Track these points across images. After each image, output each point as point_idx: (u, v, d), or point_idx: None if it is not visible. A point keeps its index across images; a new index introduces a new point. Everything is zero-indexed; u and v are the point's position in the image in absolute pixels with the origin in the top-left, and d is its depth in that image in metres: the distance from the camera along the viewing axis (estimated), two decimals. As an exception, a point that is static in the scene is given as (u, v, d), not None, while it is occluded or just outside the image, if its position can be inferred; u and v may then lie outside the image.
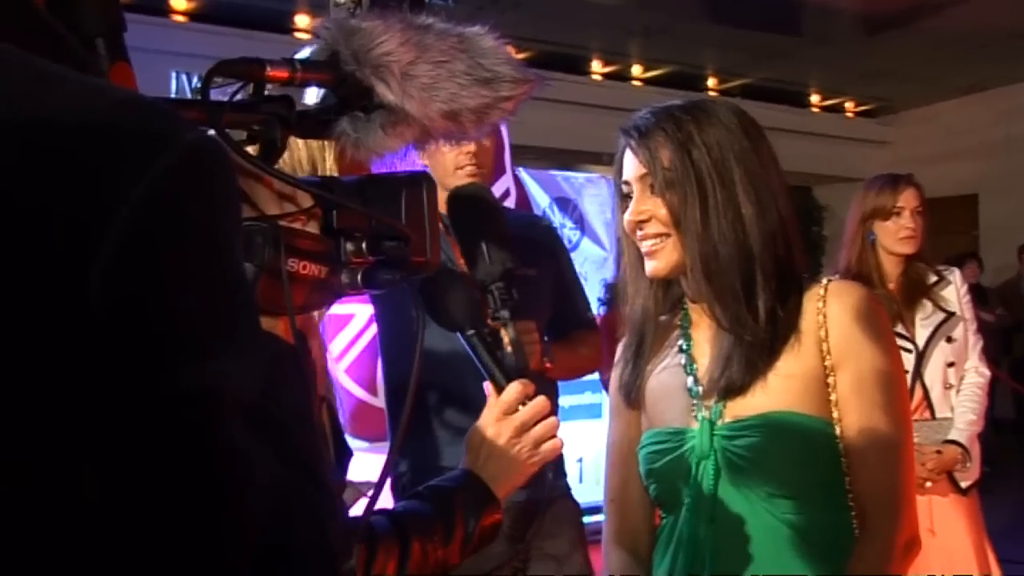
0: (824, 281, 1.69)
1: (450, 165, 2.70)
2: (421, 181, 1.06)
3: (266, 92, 0.95)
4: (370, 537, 1.25)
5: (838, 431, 1.62)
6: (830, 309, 1.64)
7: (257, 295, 0.84)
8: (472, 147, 2.67)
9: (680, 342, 1.77)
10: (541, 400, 1.52)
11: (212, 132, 0.83)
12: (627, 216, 1.70)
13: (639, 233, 1.70)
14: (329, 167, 1.24)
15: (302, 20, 8.22)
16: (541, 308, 2.73)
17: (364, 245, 0.99)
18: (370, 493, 1.13)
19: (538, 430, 1.49)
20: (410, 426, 2.75)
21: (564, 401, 3.93)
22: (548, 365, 2.63)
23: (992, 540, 3.29)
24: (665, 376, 1.77)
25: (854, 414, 1.61)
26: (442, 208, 2.76)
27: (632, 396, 1.80)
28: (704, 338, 1.74)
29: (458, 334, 1.60)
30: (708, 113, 1.69)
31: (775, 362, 1.63)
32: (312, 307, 1.00)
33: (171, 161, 0.57)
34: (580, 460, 5.95)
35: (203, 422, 0.58)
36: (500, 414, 1.50)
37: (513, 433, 1.48)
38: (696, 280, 1.67)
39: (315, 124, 0.99)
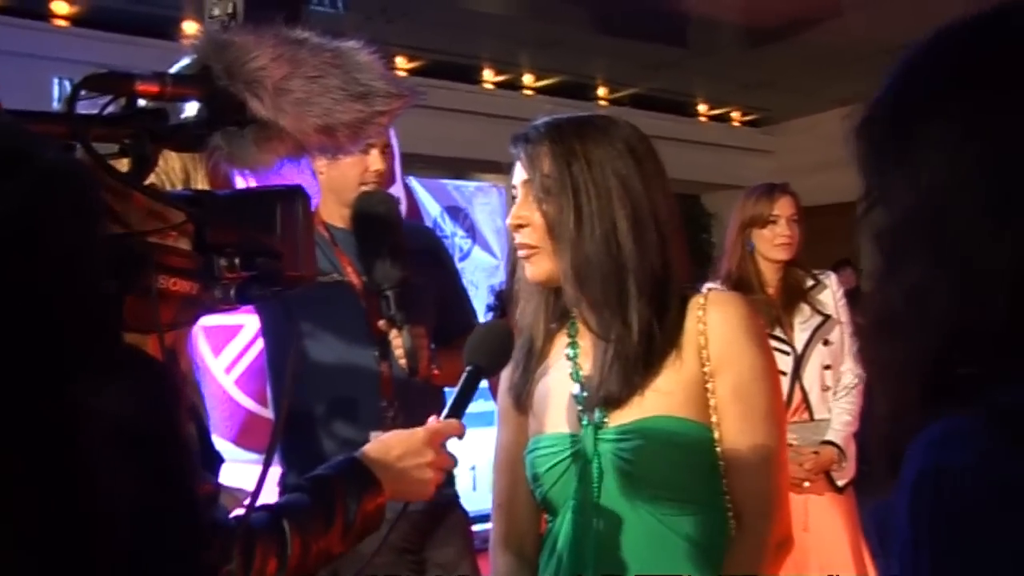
0: (704, 291, 1.76)
1: (353, 182, 2.70)
2: (295, 195, 1.06)
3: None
4: (248, 537, 1.24)
5: (716, 435, 1.68)
6: (710, 318, 1.70)
7: (125, 312, 0.83)
8: (380, 166, 2.69)
9: (567, 349, 1.81)
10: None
11: (79, 147, 0.82)
12: (507, 220, 1.76)
13: (516, 239, 1.74)
14: (201, 180, 1.24)
15: (189, 27, 8.08)
16: (426, 316, 2.74)
17: (237, 260, 0.98)
18: (248, 501, 1.12)
19: (441, 472, 1.54)
20: (293, 437, 2.73)
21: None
22: (435, 372, 2.65)
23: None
24: (553, 382, 1.81)
25: (732, 419, 1.67)
26: (340, 220, 2.79)
27: (521, 401, 1.84)
28: (589, 346, 1.78)
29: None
30: (596, 128, 1.73)
31: (656, 370, 1.68)
32: (183, 324, 1.00)
33: (28, 180, 0.57)
34: (473, 468, 5.96)
35: (68, 436, 0.58)
36: (432, 437, 1.53)
37: (431, 460, 1.51)
38: (569, 289, 1.71)
39: (188, 138, 0.99)
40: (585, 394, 1.75)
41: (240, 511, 1.23)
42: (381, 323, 2.53)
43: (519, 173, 1.75)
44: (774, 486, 1.70)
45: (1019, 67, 0.83)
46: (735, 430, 1.67)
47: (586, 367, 1.77)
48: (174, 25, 7.97)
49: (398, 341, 2.54)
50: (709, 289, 1.78)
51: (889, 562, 0.81)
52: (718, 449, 1.68)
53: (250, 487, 1.03)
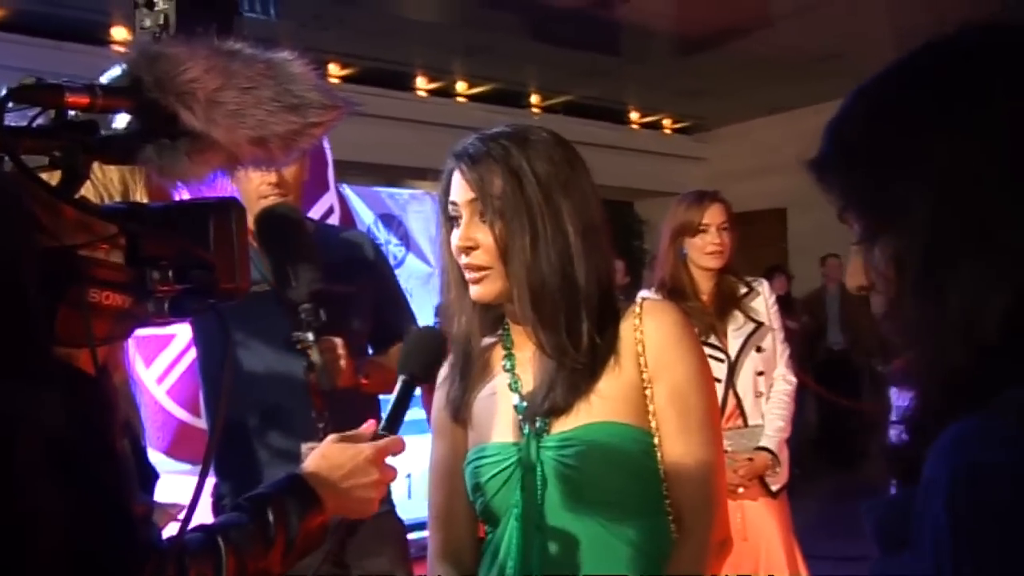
0: (639, 300, 1.78)
1: (253, 193, 2.67)
2: (230, 207, 1.05)
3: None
4: (181, 556, 1.22)
5: (656, 440, 1.70)
6: (645, 327, 1.72)
7: (57, 326, 0.82)
8: (273, 177, 2.64)
9: (504, 361, 1.82)
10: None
11: (7, 159, 0.81)
12: (455, 241, 1.73)
13: (464, 260, 1.71)
14: (140, 192, 1.22)
15: (118, 32, 7.95)
16: (361, 324, 2.73)
17: (170, 273, 0.97)
18: (183, 515, 1.11)
19: (384, 487, 1.53)
20: (225, 447, 2.71)
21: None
22: (364, 381, 2.63)
23: (800, 537, 3.45)
24: (491, 394, 1.81)
25: (670, 424, 1.70)
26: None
27: (459, 414, 1.83)
28: (527, 358, 1.78)
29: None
30: (534, 143, 1.73)
31: (597, 380, 1.70)
32: (116, 338, 0.98)
33: None
34: (409, 476, 5.93)
35: None
36: (378, 455, 1.51)
37: (376, 479, 1.50)
38: (523, 308, 1.71)
39: (119, 150, 0.98)
40: (525, 404, 1.75)
41: (175, 528, 1.21)
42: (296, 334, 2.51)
43: (462, 191, 1.72)
44: (712, 489, 1.72)
45: (1014, 77, 0.89)
46: (673, 435, 1.70)
47: (525, 377, 1.78)
48: (103, 30, 7.86)
49: (313, 353, 2.53)
50: (643, 298, 1.80)
51: (908, 556, 0.84)
52: (658, 454, 1.70)
53: (183, 499, 1.02)
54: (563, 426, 1.70)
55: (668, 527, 1.71)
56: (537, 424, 1.73)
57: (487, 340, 1.84)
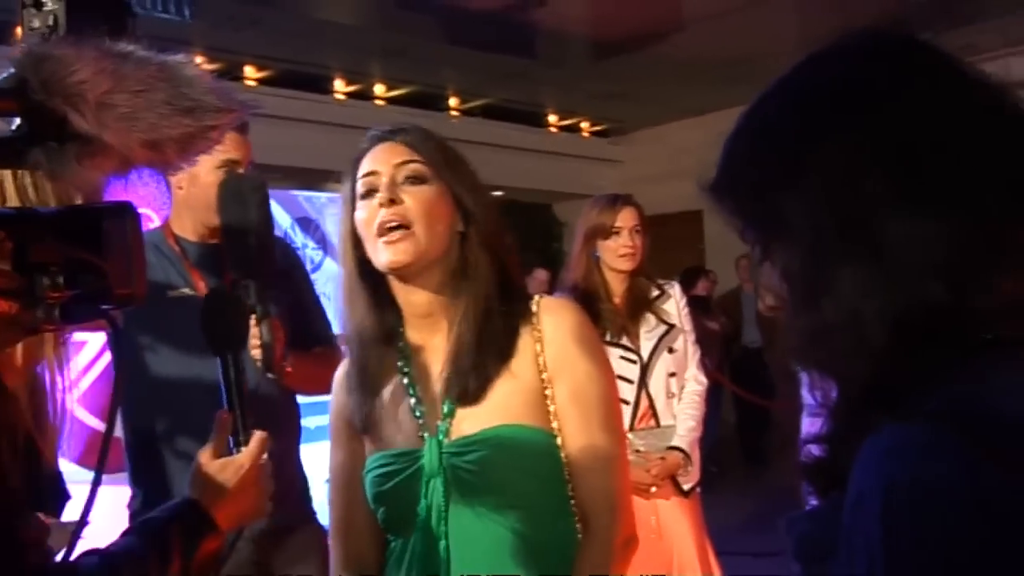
0: (537, 298, 1.77)
1: (215, 200, 2.63)
2: (124, 212, 1.03)
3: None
4: None
5: (559, 441, 1.70)
6: (544, 325, 1.72)
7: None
8: (233, 153, 2.63)
9: (400, 364, 1.79)
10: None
11: None
12: (372, 204, 1.70)
13: (382, 218, 1.68)
14: (49, 197, 1.19)
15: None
16: (280, 311, 2.70)
17: (60, 279, 0.95)
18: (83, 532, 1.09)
19: (270, 485, 1.52)
20: (141, 458, 2.66)
21: (310, 422, 3.88)
22: (288, 369, 2.61)
23: (717, 534, 3.51)
24: (388, 399, 1.78)
25: (572, 423, 1.70)
26: (194, 235, 2.70)
27: (359, 422, 1.80)
28: (423, 359, 1.77)
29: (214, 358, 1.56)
30: (437, 134, 1.80)
31: (495, 380, 1.69)
32: (3, 345, 0.96)
33: None
34: (328, 481, 5.87)
35: None
36: (254, 461, 1.50)
37: (252, 477, 1.49)
38: (439, 275, 1.72)
39: (7, 154, 0.96)
40: (423, 408, 1.74)
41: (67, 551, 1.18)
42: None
43: (388, 157, 1.72)
44: (616, 487, 1.73)
45: (889, 83, 0.91)
46: (575, 435, 1.70)
47: (422, 381, 1.77)
48: (9, 29, 7.66)
49: (255, 331, 2.48)
50: (540, 296, 1.79)
51: (833, 572, 0.83)
52: (562, 454, 1.70)
53: (95, 513, 1.00)
54: (464, 429, 1.69)
55: (574, 527, 1.71)
56: (438, 428, 1.71)
57: (383, 347, 1.80)
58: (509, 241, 1.77)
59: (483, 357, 1.69)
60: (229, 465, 1.47)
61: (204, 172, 2.60)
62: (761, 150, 0.96)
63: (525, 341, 1.72)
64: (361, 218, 1.71)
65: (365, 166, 1.74)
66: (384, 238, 1.68)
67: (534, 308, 1.74)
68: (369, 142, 1.77)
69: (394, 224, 1.67)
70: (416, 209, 1.68)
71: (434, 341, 1.76)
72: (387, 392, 1.79)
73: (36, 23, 1.04)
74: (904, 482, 0.77)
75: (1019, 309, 0.85)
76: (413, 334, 1.79)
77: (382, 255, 1.68)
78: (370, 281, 1.76)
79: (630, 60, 9.24)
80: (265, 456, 1.53)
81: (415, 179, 1.70)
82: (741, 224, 0.98)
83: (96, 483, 1.00)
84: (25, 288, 0.93)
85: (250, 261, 2.46)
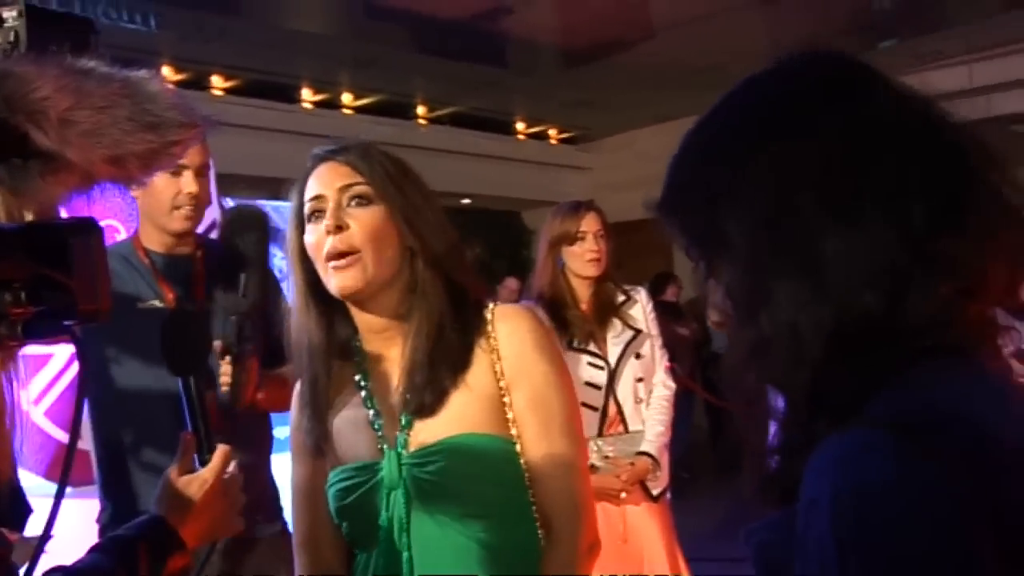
0: (490, 306, 1.77)
1: (167, 205, 2.64)
2: (89, 228, 1.04)
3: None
4: None
5: (518, 448, 1.71)
6: (499, 332, 1.73)
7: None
8: (194, 188, 2.63)
9: (357, 377, 1.79)
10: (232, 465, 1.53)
11: None
12: (317, 232, 1.69)
13: (330, 246, 1.67)
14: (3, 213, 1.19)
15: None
16: (257, 341, 2.71)
17: (23, 295, 0.95)
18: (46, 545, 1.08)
19: (239, 500, 1.52)
20: (110, 472, 2.65)
21: (280, 432, 3.87)
22: (260, 396, 2.61)
23: (688, 540, 3.52)
24: (346, 413, 1.78)
25: (531, 430, 1.71)
26: (160, 245, 2.70)
27: (315, 439, 1.79)
28: (381, 371, 1.77)
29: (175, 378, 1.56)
30: (381, 149, 1.78)
31: (452, 389, 1.70)
32: (-36, 361, 0.96)
33: None
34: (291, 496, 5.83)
35: None
36: (218, 475, 1.50)
37: (216, 491, 1.48)
38: (396, 299, 1.72)
39: (-33, 170, 0.96)
40: (382, 421, 1.74)
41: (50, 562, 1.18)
42: (216, 344, 2.46)
43: (332, 180, 1.70)
44: (578, 492, 1.74)
45: (819, 101, 0.94)
46: (535, 441, 1.70)
47: (379, 393, 1.77)
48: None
49: (227, 368, 2.48)
50: (494, 304, 1.78)
51: None
52: (522, 461, 1.71)
53: (60, 528, 1.00)
54: (423, 439, 1.70)
55: (536, 534, 1.72)
56: (397, 440, 1.72)
57: (336, 362, 1.80)
58: (460, 253, 1.76)
59: (437, 373, 1.69)
60: (193, 481, 1.47)
61: (155, 178, 2.60)
62: (701, 170, 0.99)
63: (480, 351, 1.72)
64: (310, 242, 1.71)
65: (311, 189, 1.73)
66: (333, 263, 1.68)
67: (488, 316, 1.74)
68: (312, 162, 1.75)
69: (342, 251, 1.67)
70: (362, 235, 1.67)
71: (391, 354, 1.76)
72: (345, 405, 1.79)
73: (-3, 40, 1.04)
74: (849, 488, 0.79)
75: (953, 317, 0.87)
76: (370, 347, 1.79)
77: (332, 281, 1.69)
78: (322, 298, 1.75)
79: (598, 68, 9.28)
80: (232, 469, 1.53)
81: (360, 200, 1.69)
82: (686, 241, 1.00)
83: (59, 496, 1.00)
84: (-13, 304, 0.93)
85: (242, 301, 2.47)
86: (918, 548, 0.77)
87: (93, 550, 1.34)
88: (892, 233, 0.87)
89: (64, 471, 1.01)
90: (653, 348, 3.48)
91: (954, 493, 0.77)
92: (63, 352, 3.64)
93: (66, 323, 1.00)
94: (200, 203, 2.70)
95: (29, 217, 1.13)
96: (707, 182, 0.97)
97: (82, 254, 1.02)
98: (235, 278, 2.51)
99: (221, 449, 1.53)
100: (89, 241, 1.03)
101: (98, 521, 2.71)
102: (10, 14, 1.04)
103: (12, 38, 1.03)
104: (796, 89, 0.96)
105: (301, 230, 1.74)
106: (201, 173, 2.69)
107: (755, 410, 1.01)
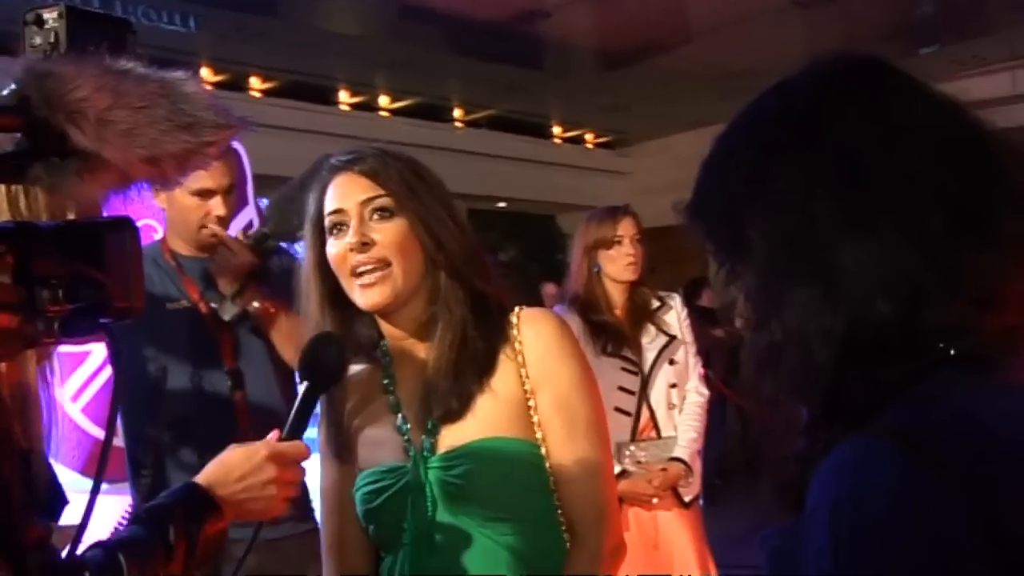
0: (516, 310, 1.76)
1: (194, 225, 2.70)
2: (124, 226, 1.04)
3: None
4: (77, 574, 1.20)
5: (543, 451, 1.71)
6: (524, 336, 1.72)
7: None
8: (223, 211, 2.69)
9: (385, 382, 1.79)
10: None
11: None
12: (340, 246, 1.68)
13: (355, 260, 1.67)
14: (42, 211, 1.20)
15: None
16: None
17: (61, 293, 0.96)
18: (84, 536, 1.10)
19: (289, 487, 1.51)
20: (144, 467, 2.68)
21: (311, 432, 3.89)
22: (271, 309, 2.70)
23: (722, 547, 3.51)
24: (373, 418, 1.79)
25: (556, 433, 1.71)
26: (185, 248, 2.77)
27: (341, 447, 1.80)
28: (406, 375, 1.77)
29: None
30: (398, 155, 1.75)
31: (478, 394, 1.70)
32: (3, 358, 0.97)
33: None
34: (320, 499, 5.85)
35: None
36: (274, 454, 1.49)
37: (274, 475, 1.48)
38: (420, 308, 1.71)
39: (8, 168, 0.97)
40: (408, 425, 1.75)
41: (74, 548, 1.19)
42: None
43: (353, 193, 1.69)
44: (603, 495, 1.74)
45: (841, 107, 0.94)
46: (560, 444, 1.70)
47: (405, 397, 1.77)
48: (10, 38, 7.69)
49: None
50: (520, 308, 1.77)
51: None
52: (547, 465, 1.71)
53: (99, 519, 1.01)
54: (449, 442, 1.70)
55: (562, 537, 1.72)
56: (422, 444, 1.72)
57: (360, 365, 1.80)
58: (481, 260, 1.76)
59: (462, 380, 1.69)
60: (243, 450, 1.48)
61: (180, 195, 2.66)
62: (726, 175, 0.99)
63: (505, 356, 1.72)
64: (333, 254, 1.70)
65: (330, 201, 1.71)
66: (360, 280, 1.67)
67: (514, 321, 1.74)
68: (329, 172, 1.73)
69: (368, 266, 1.67)
70: (389, 248, 1.67)
71: (416, 359, 1.76)
72: (371, 409, 1.79)
73: (38, 40, 1.05)
74: (847, 495, 0.80)
75: (972, 328, 0.86)
76: (396, 352, 1.79)
77: (359, 297, 1.68)
78: (341, 306, 1.74)
79: (635, 72, 9.26)
80: (294, 452, 1.52)
81: (383, 213, 1.68)
82: (712, 246, 1.00)
83: (95, 491, 1.01)
84: (26, 301, 0.94)
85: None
86: (909, 558, 0.77)
87: (129, 523, 1.35)
88: (908, 242, 0.86)
89: (100, 467, 1.02)
90: (687, 354, 3.48)
91: (951, 507, 0.77)
92: (100, 350, 3.69)
93: (101, 320, 1.00)
94: (226, 222, 2.75)
95: (68, 216, 1.14)
96: (729, 188, 0.97)
97: (116, 252, 1.03)
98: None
99: (296, 442, 1.53)
100: (124, 239, 1.04)
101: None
102: (51, 15, 1.06)
103: (52, 39, 1.05)
104: (818, 96, 0.96)
105: (321, 241, 1.73)
106: (229, 193, 2.74)
107: (774, 417, 1.01)
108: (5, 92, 0.95)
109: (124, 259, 1.03)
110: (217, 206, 2.69)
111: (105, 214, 1.14)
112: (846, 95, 0.94)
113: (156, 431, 2.68)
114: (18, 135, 0.97)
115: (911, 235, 0.86)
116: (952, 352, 0.87)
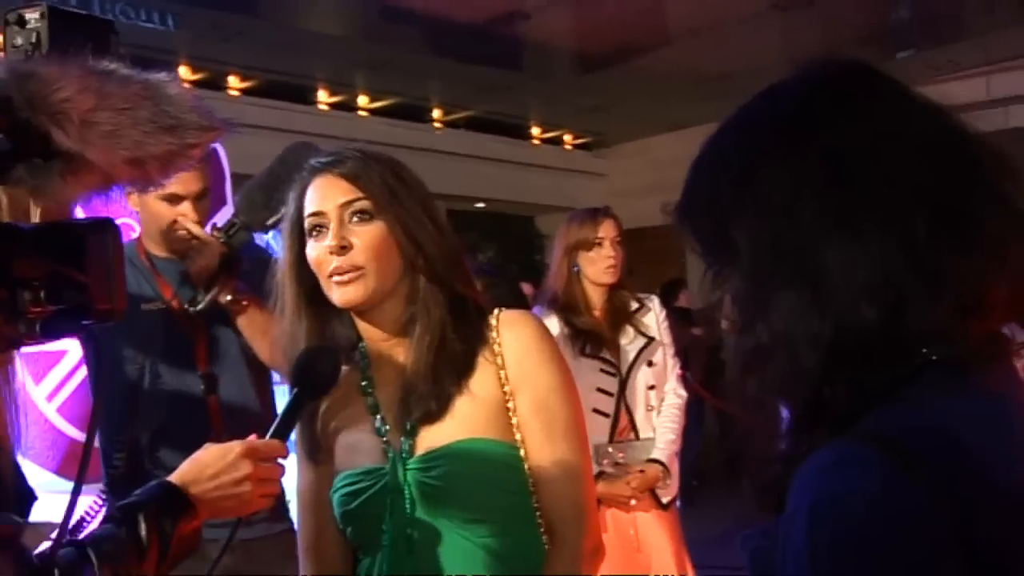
0: (496, 312, 1.77)
1: (165, 224, 2.68)
2: (106, 227, 1.04)
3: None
4: (49, 573, 1.19)
5: (522, 453, 1.71)
6: (504, 339, 1.73)
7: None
8: (193, 216, 2.68)
9: (363, 383, 1.79)
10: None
11: None
12: (318, 250, 1.69)
13: (334, 264, 1.67)
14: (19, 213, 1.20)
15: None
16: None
17: (42, 294, 0.96)
18: (55, 534, 1.10)
19: (266, 484, 1.52)
20: (120, 467, 2.67)
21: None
22: (244, 302, 2.69)
23: (697, 548, 3.53)
24: (351, 420, 1.79)
25: (535, 435, 1.71)
26: (158, 249, 2.76)
27: (315, 447, 1.80)
28: (385, 377, 1.77)
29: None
30: (379, 157, 1.75)
31: (457, 395, 1.70)
32: (-17, 358, 0.97)
33: None
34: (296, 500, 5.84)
35: None
36: (248, 450, 1.50)
37: (248, 472, 1.48)
38: (396, 309, 1.71)
39: (-9, 170, 0.97)
40: (387, 427, 1.75)
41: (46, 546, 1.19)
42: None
43: (332, 195, 1.69)
44: (582, 496, 1.74)
45: (826, 112, 0.94)
46: (539, 446, 1.71)
47: (383, 399, 1.77)
48: None
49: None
50: (499, 310, 1.78)
51: None
52: (525, 466, 1.71)
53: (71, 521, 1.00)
54: (428, 444, 1.70)
55: (540, 538, 1.73)
56: (401, 445, 1.72)
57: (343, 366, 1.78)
58: (460, 262, 1.76)
59: (440, 382, 1.70)
60: (216, 447, 1.48)
61: (151, 199, 2.65)
62: (714, 176, 0.99)
63: (485, 359, 1.72)
64: (311, 256, 1.70)
65: (310, 203, 1.71)
66: (336, 278, 1.68)
67: (493, 323, 1.75)
68: (310, 173, 1.73)
69: (345, 269, 1.67)
70: (366, 252, 1.67)
71: (395, 360, 1.76)
72: (350, 411, 1.79)
73: (19, 40, 1.05)
74: (826, 498, 0.81)
75: (956, 333, 0.87)
76: (374, 353, 1.79)
77: (335, 294, 1.69)
78: (318, 305, 1.74)
79: (614, 74, 9.26)
80: (269, 449, 1.52)
81: (362, 216, 1.68)
82: (699, 248, 1.01)
83: (76, 491, 1.01)
84: (7, 303, 0.94)
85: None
86: (886, 562, 0.78)
87: (103, 521, 1.35)
88: (892, 247, 0.87)
89: (81, 469, 1.01)
90: (665, 356, 3.49)
91: (930, 512, 0.78)
92: (76, 349, 3.67)
93: (83, 322, 1.00)
94: (199, 226, 2.74)
95: (48, 217, 1.14)
96: (717, 190, 0.98)
97: (98, 253, 1.03)
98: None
99: (273, 440, 1.55)
100: (105, 240, 1.04)
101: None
102: (32, 15, 1.05)
103: (34, 39, 1.04)
104: (805, 99, 0.97)
105: (300, 242, 1.73)
106: (200, 199, 2.72)
107: (757, 419, 1.02)
108: (-12, 93, 0.95)
109: (106, 260, 1.03)
110: (187, 211, 2.67)
111: (86, 215, 1.14)
112: (834, 99, 0.95)
113: (132, 432, 2.67)
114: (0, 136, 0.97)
115: (894, 239, 0.87)
116: (935, 358, 0.87)
